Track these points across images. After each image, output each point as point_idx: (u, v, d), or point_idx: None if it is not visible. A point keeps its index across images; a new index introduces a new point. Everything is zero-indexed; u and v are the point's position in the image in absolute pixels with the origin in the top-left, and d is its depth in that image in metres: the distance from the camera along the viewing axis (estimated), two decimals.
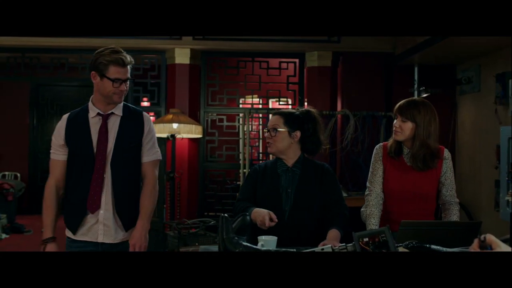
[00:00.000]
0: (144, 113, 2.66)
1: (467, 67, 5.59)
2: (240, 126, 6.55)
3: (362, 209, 2.76)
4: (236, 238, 2.08)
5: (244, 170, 5.59)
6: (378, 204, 2.72)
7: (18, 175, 9.07)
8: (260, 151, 6.90)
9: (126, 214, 2.55)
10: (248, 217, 2.37)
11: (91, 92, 2.58)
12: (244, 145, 5.82)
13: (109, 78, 2.43)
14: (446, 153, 2.75)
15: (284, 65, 6.42)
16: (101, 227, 2.50)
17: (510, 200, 3.29)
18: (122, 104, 2.58)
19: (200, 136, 6.05)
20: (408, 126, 2.68)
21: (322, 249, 2.04)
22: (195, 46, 6.05)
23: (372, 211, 2.70)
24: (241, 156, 5.96)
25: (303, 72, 6.37)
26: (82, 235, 2.51)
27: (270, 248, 2.16)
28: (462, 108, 5.82)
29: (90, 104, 2.56)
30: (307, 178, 2.65)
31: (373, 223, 2.66)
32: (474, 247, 1.37)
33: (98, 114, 2.53)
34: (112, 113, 2.54)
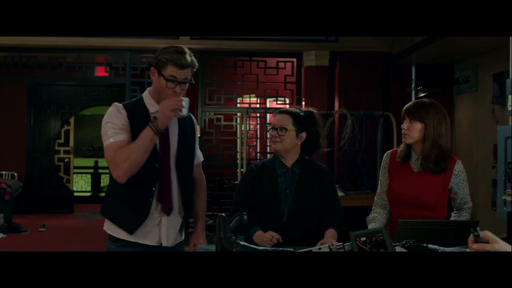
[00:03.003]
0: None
1: (465, 66, 5.60)
2: (238, 126, 6.55)
3: (367, 217, 2.75)
4: (233, 237, 2.08)
5: (242, 170, 5.58)
6: (383, 213, 2.70)
7: (15, 174, 9.05)
8: (258, 150, 6.89)
9: (188, 216, 2.48)
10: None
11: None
12: (242, 144, 5.81)
13: (164, 77, 2.28)
14: (458, 166, 2.62)
15: (281, 65, 6.42)
16: (164, 229, 2.36)
17: (507, 199, 3.29)
18: None
19: (197, 135, 6.04)
20: (417, 127, 2.56)
21: (320, 248, 2.05)
22: (192, 46, 6.02)
23: (375, 216, 2.69)
24: (238, 156, 5.96)
25: (300, 72, 6.38)
26: (140, 237, 2.33)
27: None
28: (460, 108, 5.83)
29: (149, 99, 2.38)
30: (306, 179, 2.63)
31: (373, 226, 2.64)
32: (470, 242, 1.37)
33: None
34: None
